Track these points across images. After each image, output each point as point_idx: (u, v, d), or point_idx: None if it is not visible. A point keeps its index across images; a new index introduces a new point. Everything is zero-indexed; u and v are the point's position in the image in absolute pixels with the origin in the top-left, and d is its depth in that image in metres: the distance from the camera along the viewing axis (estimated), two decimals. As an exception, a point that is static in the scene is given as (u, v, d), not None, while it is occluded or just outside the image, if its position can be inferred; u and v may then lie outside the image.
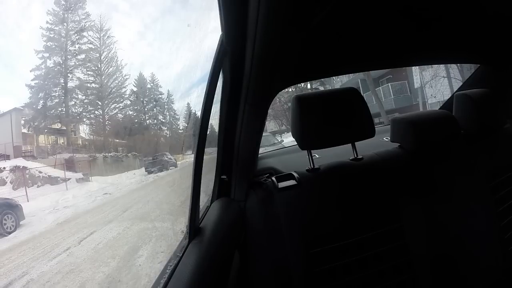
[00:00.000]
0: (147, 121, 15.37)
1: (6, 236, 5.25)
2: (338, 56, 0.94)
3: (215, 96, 0.78)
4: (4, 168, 9.02)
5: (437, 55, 1.20)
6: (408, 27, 0.82)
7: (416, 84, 9.90)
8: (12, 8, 13.60)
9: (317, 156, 1.19)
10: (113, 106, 14.39)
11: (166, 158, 11.82)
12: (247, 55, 0.68)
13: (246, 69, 0.73)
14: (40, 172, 9.51)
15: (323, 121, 0.93)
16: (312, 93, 0.99)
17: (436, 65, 8.79)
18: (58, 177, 9.63)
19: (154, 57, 17.14)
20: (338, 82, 10.99)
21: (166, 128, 16.02)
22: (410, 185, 0.97)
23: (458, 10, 0.77)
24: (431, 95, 9.72)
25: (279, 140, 8.44)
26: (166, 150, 12.87)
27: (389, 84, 11.28)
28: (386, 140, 1.35)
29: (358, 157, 1.03)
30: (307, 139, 0.94)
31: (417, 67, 9.25)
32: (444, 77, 8.85)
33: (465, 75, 8.33)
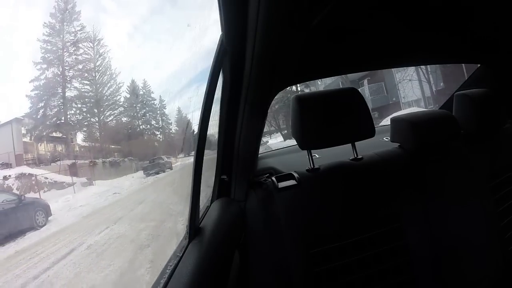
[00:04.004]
0: (141, 126, 15.43)
1: (38, 229, 5.94)
2: (338, 56, 0.92)
3: (215, 96, 0.75)
4: (9, 176, 8.93)
5: (437, 55, 1.17)
6: (408, 26, 0.80)
7: (366, 94, 10.47)
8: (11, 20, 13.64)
9: (317, 156, 1.15)
10: (108, 113, 14.40)
11: (162, 161, 12.00)
12: (247, 55, 0.66)
13: (246, 69, 0.71)
14: (46, 178, 9.58)
15: (323, 121, 0.89)
16: (312, 93, 0.96)
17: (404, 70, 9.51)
18: (63, 182, 9.73)
19: (153, 57, 17.07)
20: (322, 84, 11.56)
21: (159, 133, 16.22)
22: (410, 185, 0.93)
23: (457, 10, 0.75)
24: (398, 97, 10.49)
25: (264, 141, 8.43)
26: (161, 154, 13.07)
27: (367, 85, 11.52)
28: (386, 140, 1.31)
29: (358, 157, 0.99)
30: (307, 139, 0.91)
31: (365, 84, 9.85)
32: (410, 80, 9.54)
33: (431, 77, 9.12)
